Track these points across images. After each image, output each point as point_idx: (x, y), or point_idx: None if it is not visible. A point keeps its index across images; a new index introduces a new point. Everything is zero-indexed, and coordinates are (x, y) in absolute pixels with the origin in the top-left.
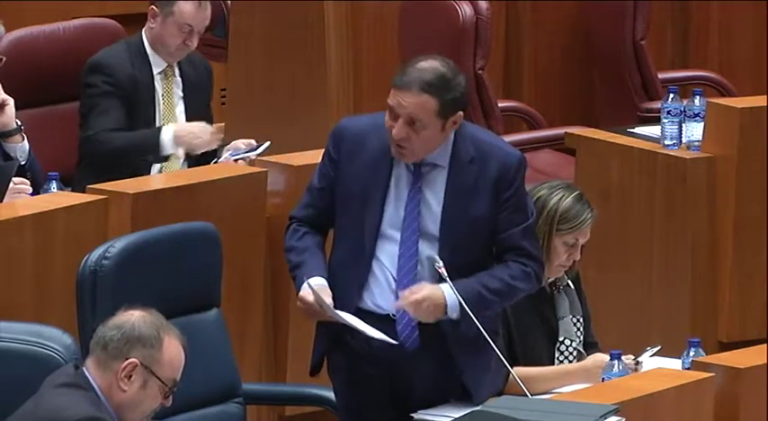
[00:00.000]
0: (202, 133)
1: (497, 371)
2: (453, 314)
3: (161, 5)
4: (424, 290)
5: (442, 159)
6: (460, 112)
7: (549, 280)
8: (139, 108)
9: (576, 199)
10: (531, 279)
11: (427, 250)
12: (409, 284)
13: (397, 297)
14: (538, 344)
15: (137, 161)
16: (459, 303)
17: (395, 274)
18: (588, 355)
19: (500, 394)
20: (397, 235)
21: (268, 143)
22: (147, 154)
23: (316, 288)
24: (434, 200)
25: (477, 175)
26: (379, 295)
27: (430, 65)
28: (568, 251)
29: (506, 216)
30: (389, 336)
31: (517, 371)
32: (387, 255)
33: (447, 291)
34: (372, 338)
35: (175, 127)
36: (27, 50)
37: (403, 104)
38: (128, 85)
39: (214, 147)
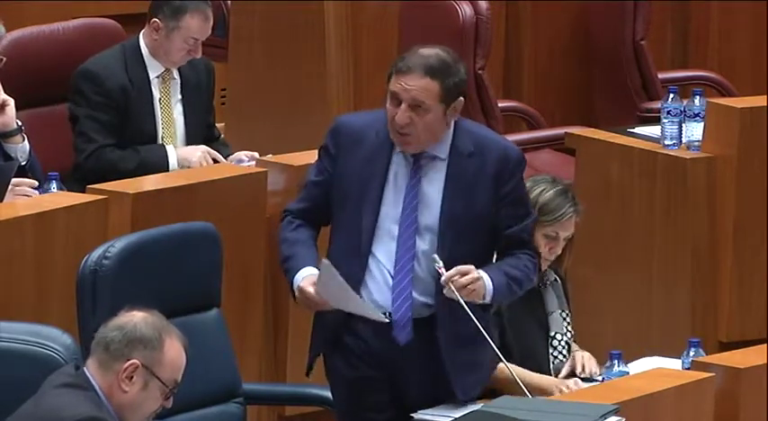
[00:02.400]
0: (196, 155)
1: (483, 368)
2: (489, 298)
3: (166, 20)
4: (473, 273)
5: (442, 151)
6: (461, 98)
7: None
8: (133, 114)
9: (559, 192)
10: (534, 273)
11: (424, 245)
12: (405, 281)
13: (393, 290)
14: (534, 341)
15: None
16: (493, 287)
17: (391, 271)
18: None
19: (490, 391)
20: (395, 230)
21: (270, 155)
22: (155, 172)
23: (308, 279)
24: (434, 192)
25: (477, 169)
26: (376, 292)
27: (432, 50)
28: (549, 244)
29: (508, 211)
30: (384, 334)
31: (504, 369)
32: (383, 251)
33: (486, 278)
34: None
35: (178, 150)
36: (27, 50)
37: (407, 88)
38: (118, 94)
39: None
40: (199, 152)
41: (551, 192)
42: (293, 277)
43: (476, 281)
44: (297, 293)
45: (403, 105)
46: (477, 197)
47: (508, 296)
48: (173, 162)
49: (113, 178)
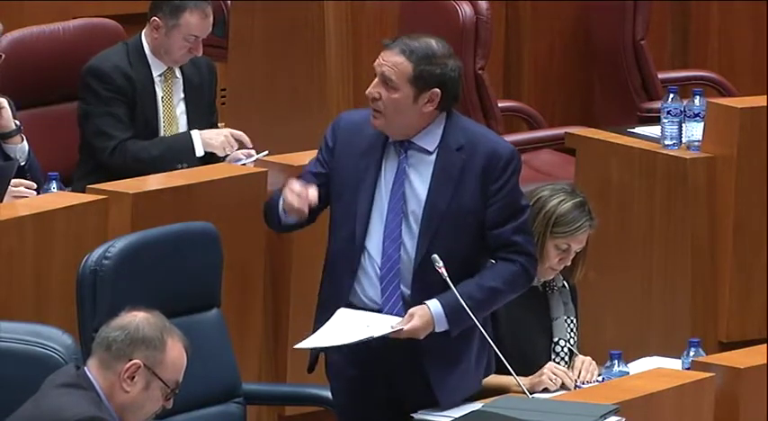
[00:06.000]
0: (219, 140)
1: (465, 370)
2: (440, 328)
3: (165, 18)
4: (414, 319)
5: (431, 145)
6: (436, 90)
7: (541, 281)
8: (137, 111)
9: (576, 205)
10: (520, 277)
11: (410, 235)
12: (392, 272)
13: (381, 282)
14: (535, 345)
15: (168, 168)
16: (446, 316)
17: (379, 261)
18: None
19: (482, 395)
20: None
21: (266, 152)
22: (182, 160)
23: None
24: (420, 184)
25: (465, 163)
26: (368, 285)
27: (424, 37)
28: (560, 255)
29: (496, 210)
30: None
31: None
32: (374, 242)
33: (433, 307)
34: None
35: (202, 133)
36: (27, 50)
37: (382, 62)
38: (127, 89)
39: (229, 151)
40: (222, 137)
41: (569, 203)
42: (278, 199)
43: (416, 329)
44: (285, 195)
45: (376, 79)
46: (462, 192)
47: (483, 311)
48: (198, 146)
49: (140, 169)
